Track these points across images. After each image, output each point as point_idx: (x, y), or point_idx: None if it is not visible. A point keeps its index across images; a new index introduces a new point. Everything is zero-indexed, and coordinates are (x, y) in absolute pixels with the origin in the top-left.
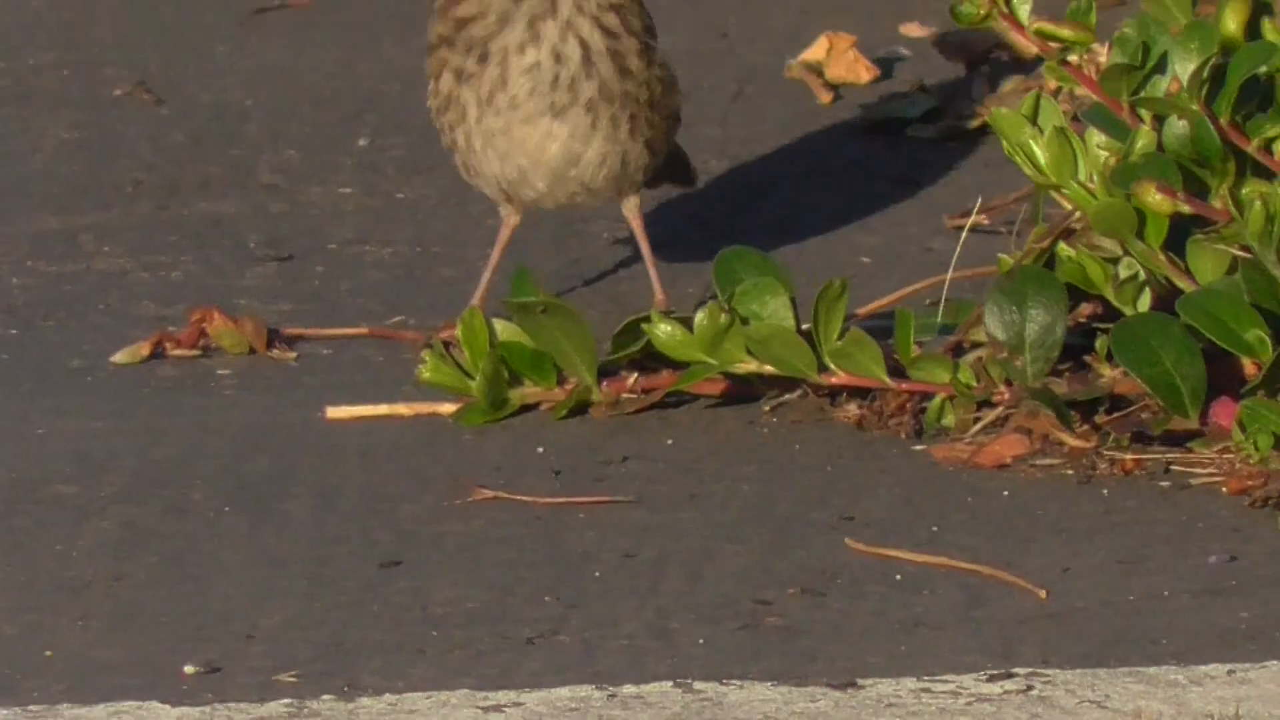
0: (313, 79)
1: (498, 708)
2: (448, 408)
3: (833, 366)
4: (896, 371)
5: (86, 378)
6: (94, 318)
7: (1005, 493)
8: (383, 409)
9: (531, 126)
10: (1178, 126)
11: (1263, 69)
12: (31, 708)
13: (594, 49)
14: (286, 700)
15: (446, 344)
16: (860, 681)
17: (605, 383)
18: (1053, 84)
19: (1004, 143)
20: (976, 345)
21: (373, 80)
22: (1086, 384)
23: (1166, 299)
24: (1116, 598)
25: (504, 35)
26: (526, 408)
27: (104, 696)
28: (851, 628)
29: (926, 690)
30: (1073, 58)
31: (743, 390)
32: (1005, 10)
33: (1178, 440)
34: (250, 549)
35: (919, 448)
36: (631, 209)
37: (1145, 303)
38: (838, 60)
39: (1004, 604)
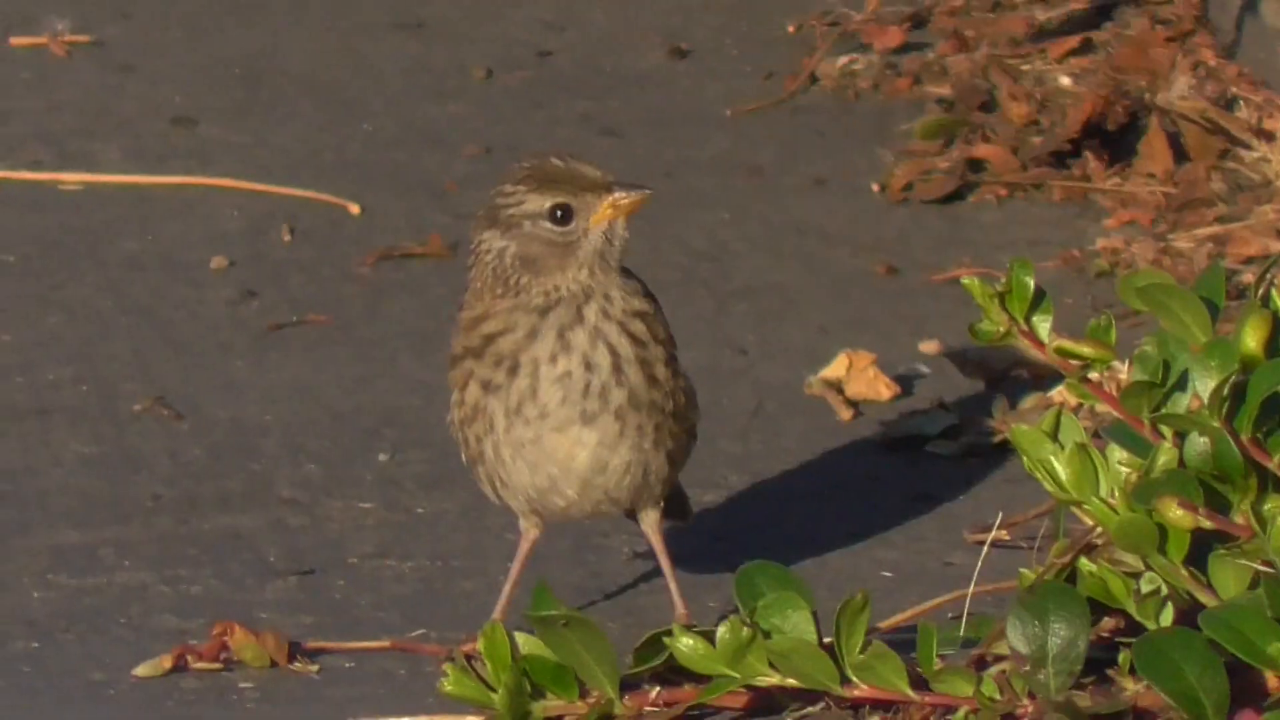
0: (331, 394)
1: None
2: None
3: (855, 679)
4: (919, 684)
5: (108, 691)
6: (115, 631)
7: None
8: None
9: (562, 435)
10: (1199, 443)
11: None
12: None
13: (623, 356)
14: None
15: (469, 657)
16: None
17: (627, 696)
18: (1073, 400)
19: (1024, 459)
20: (999, 659)
21: (391, 396)
22: (1110, 698)
23: (1189, 613)
24: None
25: (534, 347)
26: None
27: None
28: None
29: None
30: (1093, 374)
31: (766, 703)
32: (1025, 328)
33: None
34: None
35: None
36: (650, 524)
37: (1168, 617)
38: (858, 377)
39: None
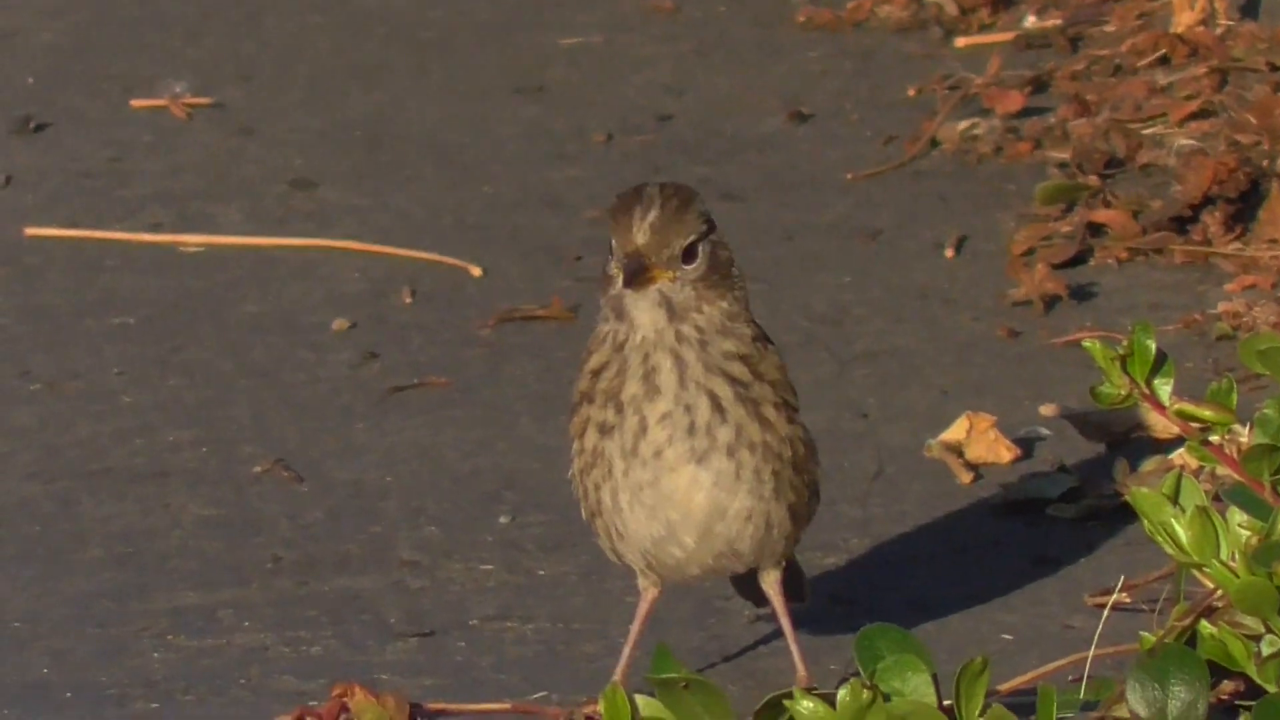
0: (451, 457)
1: None
2: None
3: None
4: None
5: None
6: (234, 692)
7: None
8: None
9: (677, 474)
10: None
11: None
12: None
13: (722, 396)
14: None
15: (589, 719)
16: None
17: None
18: (1194, 463)
19: (1145, 522)
20: None
21: (511, 458)
22: None
23: None
24: None
25: (629, 386)
26: None
27: None
28: None
29: None
30: (1214, 438)
31: None
32: (1146, 391)
33: None
34: None
35: None
36: (772, 583)
37: None
38: (978, 440)
39: None
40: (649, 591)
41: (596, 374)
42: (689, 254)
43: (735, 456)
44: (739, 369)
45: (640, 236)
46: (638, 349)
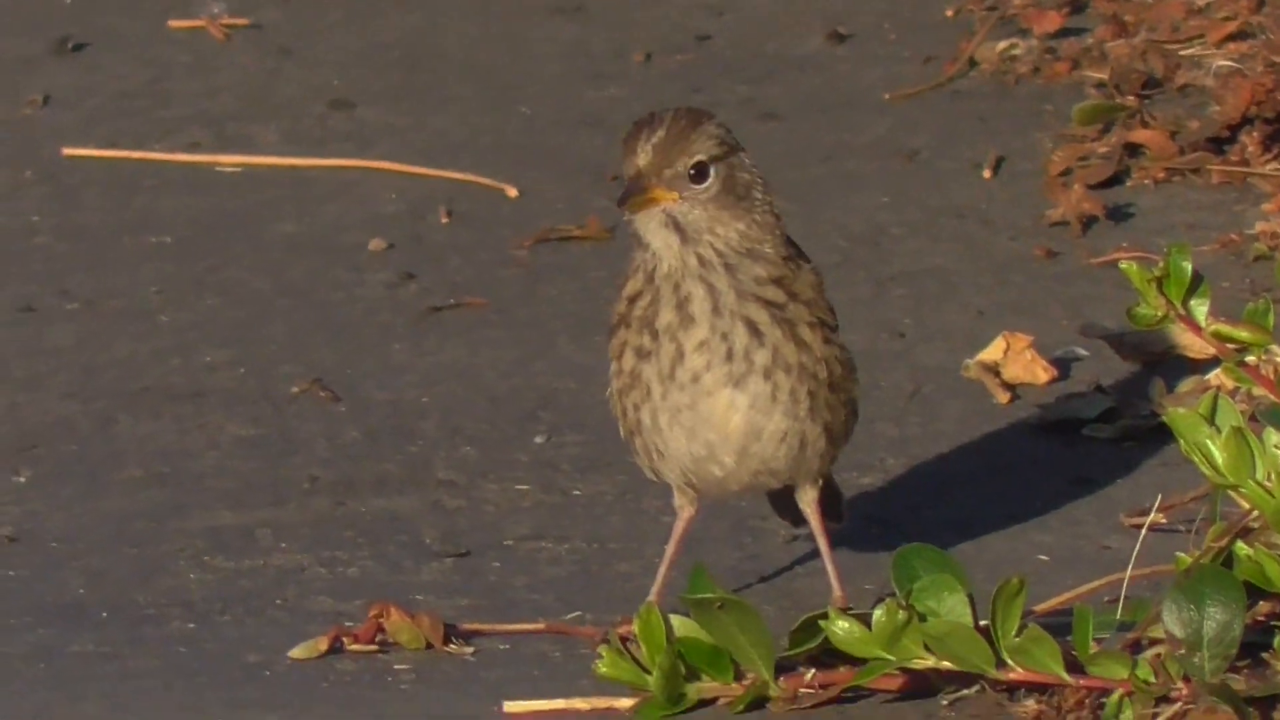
0: (488, 377)
1: None
2: (625, 703)
3: (1011, 663)
4: (1075, 668)
5: (264, 672)
6: (271, 612)
7: None
8: (560, 704)
9: (715, 399)
10: None
11: None
12: None
13: (759, 321)
14: None
15: (624, 639)
16: None
17: (783, 678)
18: (1230, 384)
19: (1181, 442)
20: (1155, 642)
21: (548, 378)
22: (1265, 681)
23: None
24: None
25: (662, 314)
26: (704, 703)
27: None
28: None
29: None
30: (1250, 358)
31: (921, 685)
32: (1182, 312)
33: None
34: None
35: None
36: (809, 501)
37: None
38: (1015, 360)
39: None
40: (685, 510)
41: (632, 301)
42: (699, 175)
43: (772, 379)
44: (772, 291)
45: (642, 158)
46: (667, 279)
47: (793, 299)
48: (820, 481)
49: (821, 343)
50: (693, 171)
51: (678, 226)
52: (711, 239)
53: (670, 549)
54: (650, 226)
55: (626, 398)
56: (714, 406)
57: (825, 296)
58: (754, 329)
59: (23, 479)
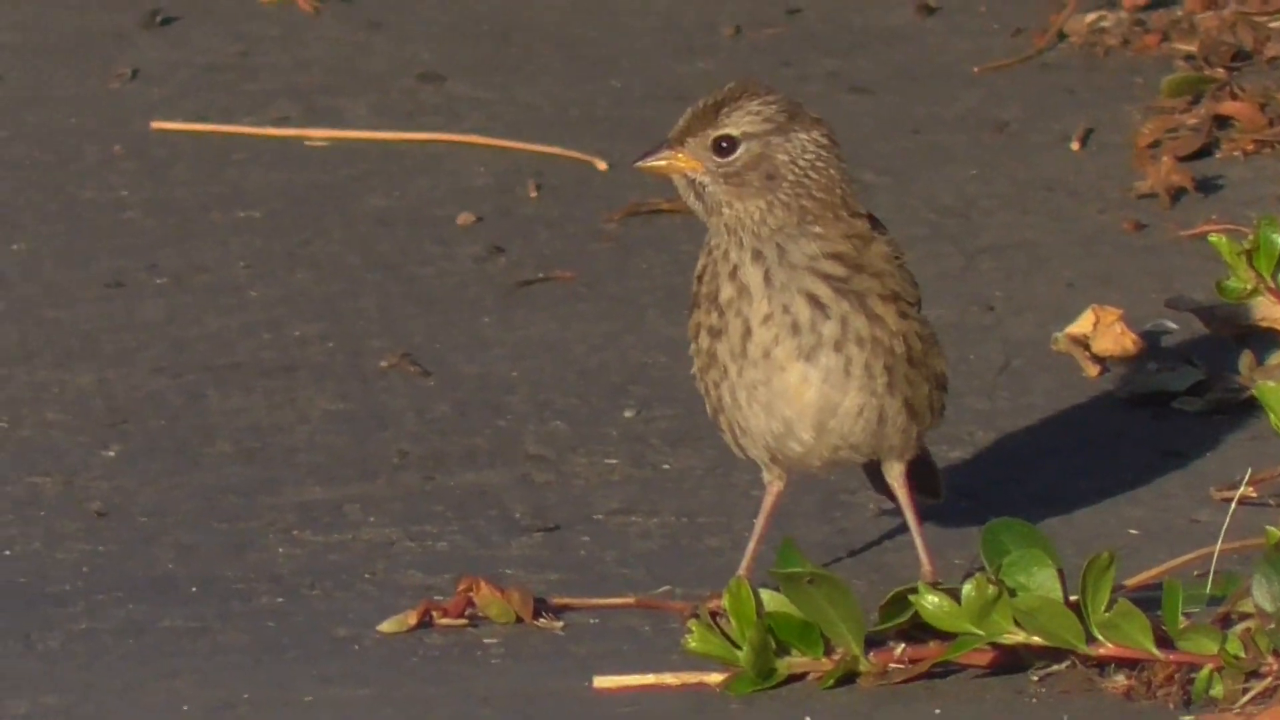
0: (578, 351)
1: None
2: (715, 677)
3: (1101, 638)
4: (1165, 642)
5: (353, 646)
6: (360, 587)
7: None
8: (650, 679)
9: (787, 373)
10: None
11: None
12: None
13: (820, 295)
14: None
15: (713, 614)
16: None
17: (872, 653)
18: None
19: (1271, 416)
20: (1245, 616)
21: (638, 352)
22: None
23: None
24: None
25: (725, 290)
26: (794, 677)
27: None
28: None
29: None
30: None
31: (1010, 660)
32: (1272, 284)
33: None
34: None
35: (1188, 718)
36: (896, 476)
37: None
38: (1104, 333)
39: None
40: (774, 486)
41: (700, 279)
42: (722, 148)
43: (843, 352)
44: (830, 265)
45: (681, 121)
46: (718, 248)
47: (857, 271)
48: (908, 456)
49: (897, 316)
50: (723, 144)
51: (698, 194)
52: (729, 212)
53: (759, 524)
54: (680, 187)
55: (707, 376)
56: (787, 381)
57: (904, 269)
58: (816, 302)
59: (112, 454)
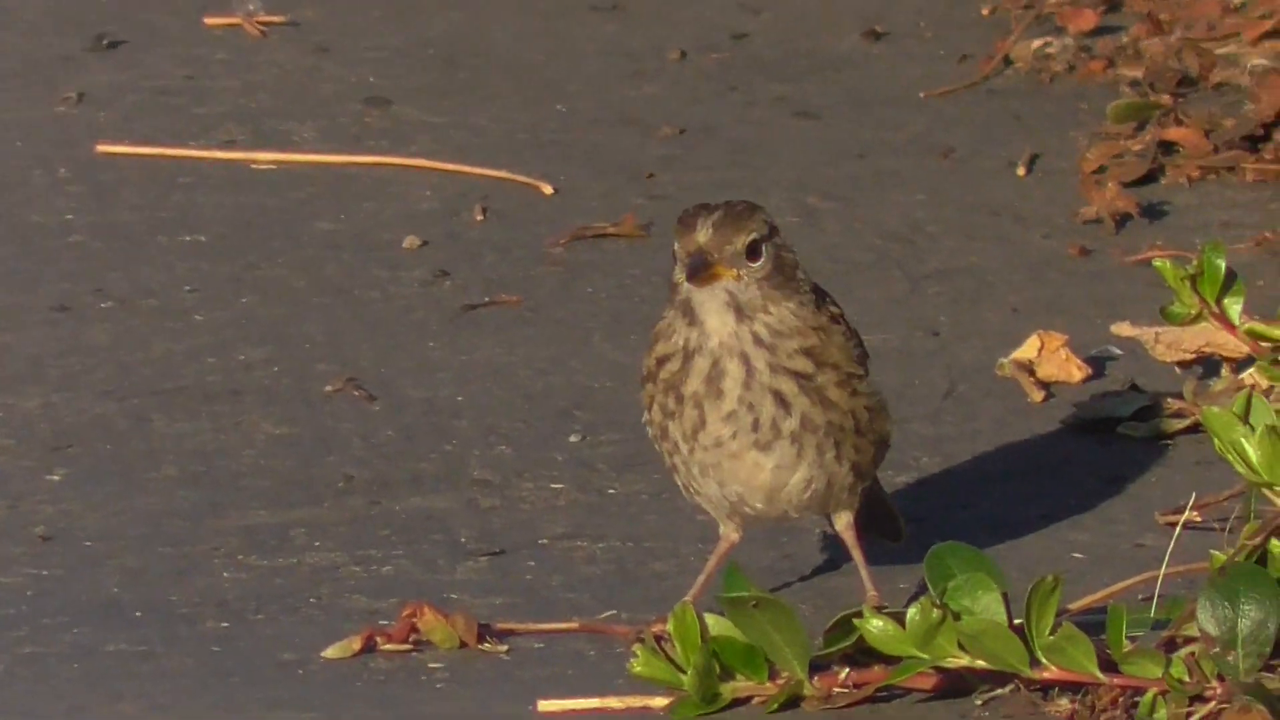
0: (524, 375)
1: None
2: (660, 701)
3: (1045, 661)
4: (1109, 666)
5: (298, 671)
6: (306, 611)
7: None
8: (594, 702)
9: (739, 461)
10: None
11: None
12: None
13: (787, 393)
14: None
15: (658, 638)
16: None
17: (817, 677)
18: (1265, 383)
19: (1215, 441)
20: (1189, 640)
21: (584, 376)
22: None
23: None
24: None
25: (690, 383)
26: (738, 701)
27: None
28: None
29: None
30: None
31: (955, 685)
32: (1216, 310)
33: None
34: None
35: None
36: (843, 524)
37: None
38: (1049, 359)
39: None
40: (731, 535)
41: (661, 362)
42: (753, 252)
43: (798, 442)
44: (802, 362)
45: (703, 235)
46: (706, 355)
47: (821, 368)
48: (855, 506)
49: (849, 396)
50: (749, 249)
51: (737, 305)
52: (765, 317)
53: (710, 564)
54: (710, 306)
55: (661, 443)
56: (739, 465)
57: (856, 347)
58: (782, 401)
59: (58, 478)
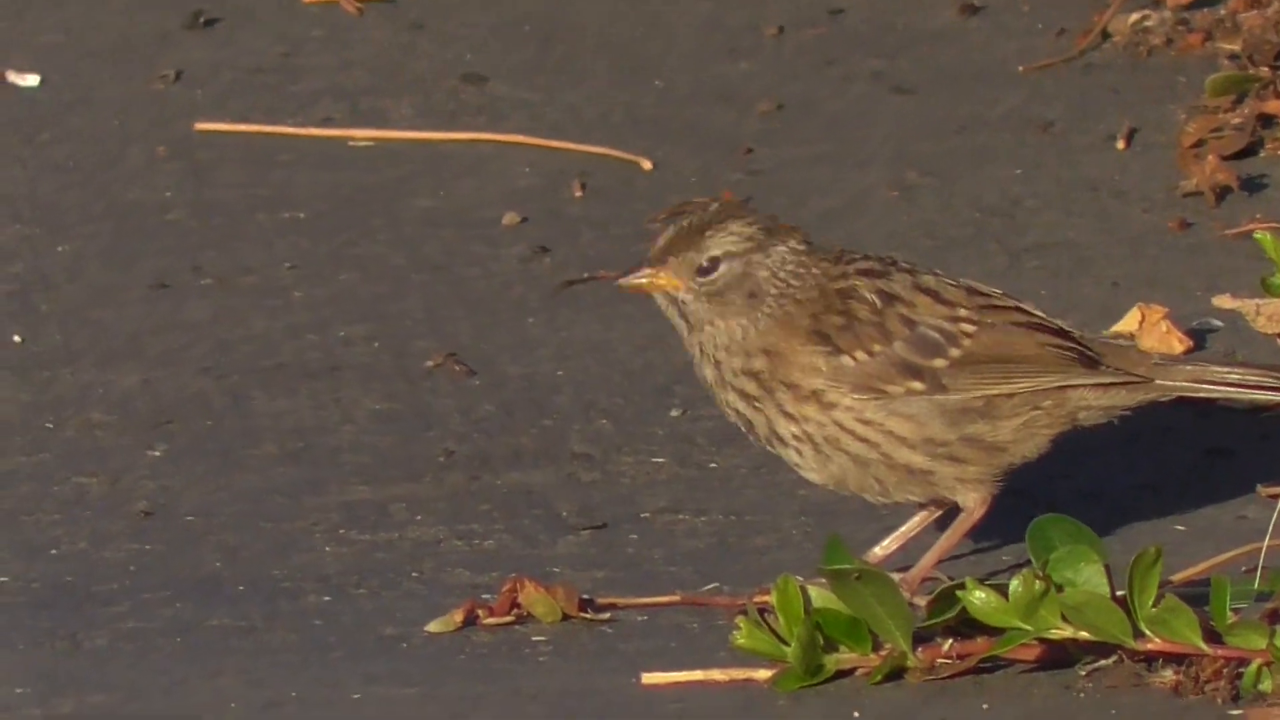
0: (623, 351)
1: None
2: (763, 673)
3: (1148, 633)
4: (1212, 637)
5: (400, 645)
6: (407, 585)
7: None
8: (698, 675)
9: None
10: None
11: None
12: None
13: (743, 408)
14: None
15: (761, 610)
16: None
17: (920, 649)
18: None
19: None
20: None
21: (682, 352)
22: None
23: None
24: None
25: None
26: (841, 673)
27: None
28: None
29: None
30: None
31: (1058, 656)
32: None
33: None
34: None
35: (1236, 713)
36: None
37: None
38: (1150, 331)
39: None
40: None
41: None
42: (707, 269)
43: (793, 446)
44: (749, 384)
45: (663, 239)
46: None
47: (773, 390)
48: (978, 489)
49: (824, 411)
50: (704, 264)
51: (682, 313)
52: (713, 331)
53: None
54: (662, 304)
55: None
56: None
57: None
58: (749, 416)
59: (158, 454)
